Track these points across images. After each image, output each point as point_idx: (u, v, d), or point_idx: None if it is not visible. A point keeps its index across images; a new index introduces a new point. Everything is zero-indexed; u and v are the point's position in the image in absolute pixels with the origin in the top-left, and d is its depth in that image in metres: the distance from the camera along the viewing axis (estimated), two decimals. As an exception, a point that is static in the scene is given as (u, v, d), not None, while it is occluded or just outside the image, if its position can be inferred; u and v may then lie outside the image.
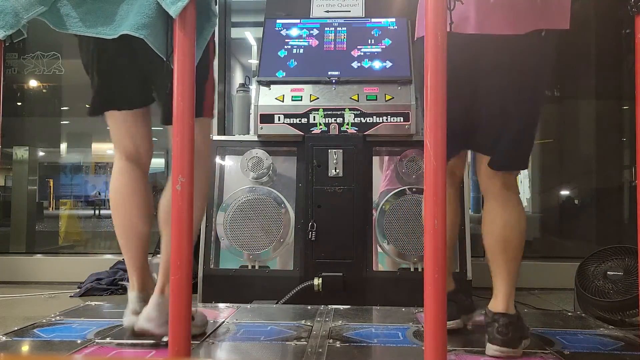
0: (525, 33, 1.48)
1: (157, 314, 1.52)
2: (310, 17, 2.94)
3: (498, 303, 1.54)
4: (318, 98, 2.60)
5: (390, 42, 2.80)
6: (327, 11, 2.96)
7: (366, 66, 2.71)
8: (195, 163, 1.61)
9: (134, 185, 1.67)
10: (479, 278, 2.44)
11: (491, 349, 1.48)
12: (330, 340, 1.60)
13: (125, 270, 3.02)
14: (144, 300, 1.65)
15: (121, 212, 1.67)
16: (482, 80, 1.56)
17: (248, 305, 2.19)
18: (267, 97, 2.61)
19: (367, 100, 2.58)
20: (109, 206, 1.72)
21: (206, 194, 1.72)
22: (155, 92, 1.66)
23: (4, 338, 1.61)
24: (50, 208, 6.71)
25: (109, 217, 1.71)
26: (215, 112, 1.74)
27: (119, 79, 1.60)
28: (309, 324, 1.81)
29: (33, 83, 4.40)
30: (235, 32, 4.09)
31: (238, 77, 4.04)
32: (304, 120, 2.57)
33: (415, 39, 1.71)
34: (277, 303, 2.34)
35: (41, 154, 4.89)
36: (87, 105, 1.67)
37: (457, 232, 1.89)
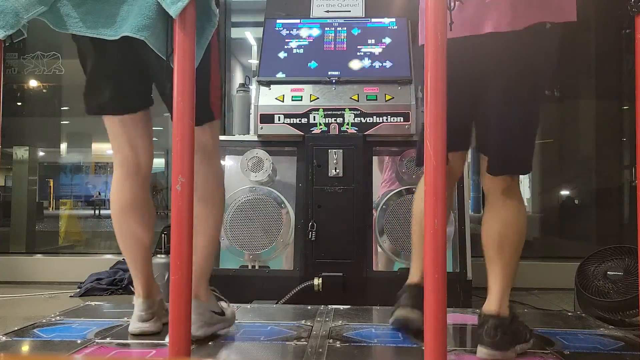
0: (524, 28, 1.45)
1: (195, 317, 1.51)
2: (310, 17, 2.94)
3: (490, 304, 1.51)
4: (318, 98, 2.60)
5: (390, 42, 2.80)
6: (327, 11, 2.96)
7: (366, 66, 2.71)
8: (207, 170, 1.63)
9: (134, 196, 1.66)
10: (478, 278, 2.44)
11: (480, 351, 1.45)
12: (330, 340, 1.60)
13: (125, 270, 3.04)
14: (149, 307, 1.66)
15: (124, 224, 1.67)
16: (479, 81, 1.54)
17: (248, 305, 2.19)
18: (267, 97, 2.61)
19: (367, 100, 2.58)
20: (109, 209, 1.71)
21: (223, 197, 1.71)
22: (161, 92, 1.64)
23: (4, 338, 1.61)
24: (50, 208, 6.71)
25: (109, 217, 1.71)
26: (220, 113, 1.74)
27: (117, 82, 1.58)
28: (309, 324, 1.81)
29: (33, 83, 4.40)
30: (235, 32, 4.10)
31: (238, 77, 4.04)
32: (304, 120, 2.57)
33: (419, 44, 1.68)
34: (277, 303, 2.34)
35: (41, 154, 4.89)
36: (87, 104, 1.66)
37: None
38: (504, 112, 1.51)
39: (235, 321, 1.84)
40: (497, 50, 1.49)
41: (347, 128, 2.56)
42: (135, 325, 1.64)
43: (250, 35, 4.09)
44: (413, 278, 1.76)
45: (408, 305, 1.67)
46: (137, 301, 1.67)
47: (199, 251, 1.56)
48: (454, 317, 1.94)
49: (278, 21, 2.92)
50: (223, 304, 1.75)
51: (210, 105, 1.63)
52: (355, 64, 2.72)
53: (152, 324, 1.65)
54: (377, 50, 2.77)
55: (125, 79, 1.59)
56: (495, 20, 1.46)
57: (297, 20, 2.93)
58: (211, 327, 1.62)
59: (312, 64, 2.73)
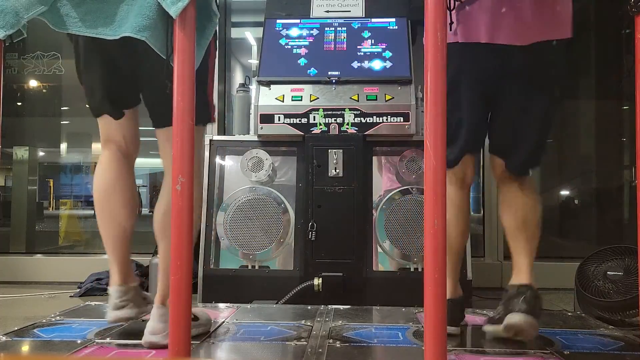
0: (530, 44, 1.55)
1: (162, 325, 1.50)
2: (310, 17, 2.94)
3: (522, 276, 1.59)
4: (318, 98, 2.60)
5: (390, 42, 2.80)
6: (327, 11, 2.96)
7: (366, 66, 2.71)
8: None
9: (120, 178, 1.67)
10: (479, 278, 2.45)
11: (515, 317, 1.50)
12: (330, 340, 1.60)
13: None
14: (125, 293, 1.63)
15: (106, 205, 1.66)
16: (502, 88, 1.64)
17: (248, 305, 2.19)
18: (267, 97, 2.61)
19: (367, 100, 2.58)
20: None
21: (199, 212, 1.73)
22: (144, 96, 1.67)
23: (4, 338, 1.61)
24: (50, 208, 6.71)
25: (94, 211, 1.70)
26: (215, 116, 1.76)
27: (113, 83, 1.60)
28: (309, 324, 1.81)
29: (33, 83, 4.40)
30: (235, 32, 4.09)
31: (238, 77, 4.04)
32: (304, 120, 2.57)
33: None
34: (277, 303, 2.34)
35: (41, 154, 4.88)
36: (87, 105, 1.68)
37: (466, 240, 1.90)
38: (527, 118, 1.65)
39: (235, 321, 1.84)
40: (517, 62, 1.59)
41: (347, 128, 2.56)
42: (110, 314, 1.62)
43: (250, 35, 4.09)
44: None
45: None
46: (112, 289, 1.64)
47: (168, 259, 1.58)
48: (454, 317, 1.94)
49: (278, 21, 2.92)
50: (197, 310, 1.75)
51: (209, 107, 1.65)
52: (355, 64, 2.72)
53: (127, 311, 1.62)
54: (377, 50, 2.77)
55: (119, 80, 1.61)
56: (507, 34, 1.55)
57: (297, 20, 2.93)
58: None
59: (312, 64, 2.73)
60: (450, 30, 1.56)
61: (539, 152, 1.72)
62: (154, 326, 1.52)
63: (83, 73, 1.62)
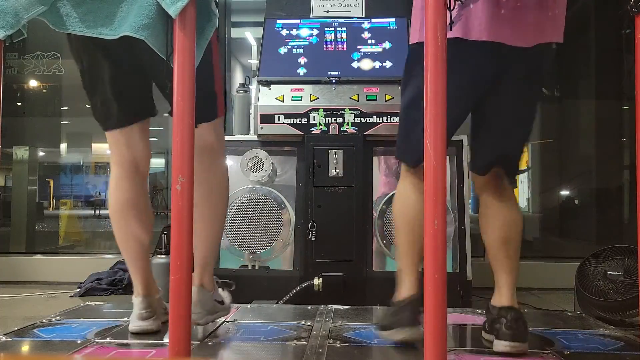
0: (532, 46, 1.51)
1: (199, 306, 1.57)
2: (310, 17, 2.94)
3: (503, 298, 1.54)
4: (318, 98, 2.60)
5: (390, 42, 2.80)
6: (327, 11, 2.96)
7: (366, 66, 2.71)
8: (212, 165, 1.66)
9: (133, 195, 1.67)
10: (479, 278, 2.44)
11: (501, 344, 1.46)
12: (330, 340, 1.60)
13: (125, 270, 3.04)
14: (149, 305, 1.67)
15: (123, 223, 1.68)
16: (496, 90, 1.57)
17: (248, 305, 2.19)
18: (267, 97, 2.61)
19: (367, 100, 2.58)
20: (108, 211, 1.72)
21: (227, 193, 1.75)
22: (163, 90, 1.66)
23: (4, 338, 1.61)
24: (50, 208, 6.71)
25: (108, 217, 1.72)
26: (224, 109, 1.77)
27: (117, 96, 1.60)
28: (309, 324, 1.81)
29: (33, 83, 4.40)
30: (235, 32, 4.09)
31: (238, 77, 4.04)
32: (304, 120, 2.57)
33: (410, 43, 1.69)
34: (277, 303, 2.34)
35: (41, 154, 4.89)
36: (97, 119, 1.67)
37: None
38: (516, 123, 1.60)
39: (235, 321, 1.85)
40: (511, 61, 1.53)
41: (347, 128, 2.56)
42: (135, 324, 1.65)
43: (250, 35, 4.09)
44: (409, 290, 1.60)
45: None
46: (136, 300, 1.68)
47: (205, 242, 1.64)
48: (454, 317, 1.94)
49: (278, 21, 2.92)
50: (223, 293, 1.81)
51: (217, 103, 1.66)
52: (355, 64, 2.72)
53: (151, 322, 1.65)
54: (377, 50, 2.77)
55: (125, 91, 1.61)
56: (508, 34, 1.50)
57: (297, 20, 2.93)
58: (212, 315, 1.70)
59: (312, 64, 2.73)
60: (451, 30, 1.54)
61: (520, 156, 1.67)
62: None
63: (92, 86, 1.61)
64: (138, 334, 1.64)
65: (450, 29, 1.50)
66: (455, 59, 1.54)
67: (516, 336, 1.46)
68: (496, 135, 1.63)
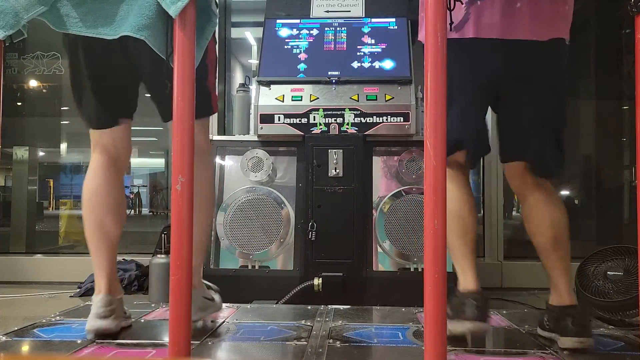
0: (547, 40, 1.53)
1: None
2: (310, 17, 2.94)
3: (563, 297, 1.58)
4: (318, 98, 2.60)
5: (390, 42, 2.80)
6: (327, 11, 2.96)
7: (366, 66, 2.71)
8: (199, 162, 1.65)
9: (109, 186, 1.67)
10: (478, 278, 2.44)
11: (569, 341, 1.50)
12: (330, 340, 1.60)
13: (125, 270, 3.04)
14: (109, 303, 1.61)
15: (94, 213, 1.66)
16: (512, 85, 1.61)
17: (248, 305, 2.19)
18: (267, 97, 2.61)
19: (367, 100, 2.58)
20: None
21: (214, 193, 1.77)
22: (151, 92, 1.68)
23: (4, 338, 1.61)
24: (50, 208, 6.72)
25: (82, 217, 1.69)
26: (215, 116, 1.79)
27: (104, 96, 1.61)
28: (309, 324, 1.81)
29: (33, 83, 4.40)
30: (235, 32, 4.09)
31: (238, 77, 4.04)
32: (304, 120, 2.57)
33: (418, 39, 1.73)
34: (277, 303, 2.34)
35: (41, 154, 4.89)
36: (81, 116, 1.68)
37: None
38: (541, 113, 1.61)
39: (235, 321, 1.85)
40: (531, 57, 1.56)
41: (347, 128, 2.56)
42: (92, 322, 1.59)
43: (250, 35, 4.09)
44: (473, 284, 1.63)
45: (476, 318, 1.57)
46: (96, 298, 1.62)
47: (193, 245, 1.61)
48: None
49: (278, 21, 2.92)
50: (212, 291, 1.84)
51: (211, 99, 1.67)
52: (355, 64, 2.72)
53: (109, 322, 1.59)
54: (377, 50, 2.77)
55: (112, 91, 1.63)
56: (524, 28, 1.52)
57: (297, 20, 2.93)
58: (204, 311, 1.73)
59: (312, 64, 2.73)
60: (451, 30, 1.55)
61: (559, 149, 1.65)
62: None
63: (80, 84, 1.62)
64: (99, 335, 1.58)
65: (451, 29, 1.51)
66: (468, 58, 1.56)
67: (583, 332, 1.51)
68: (513, 127, 1.66)
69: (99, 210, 1.66)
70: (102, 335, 1.58)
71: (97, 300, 1.61)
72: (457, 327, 1.53)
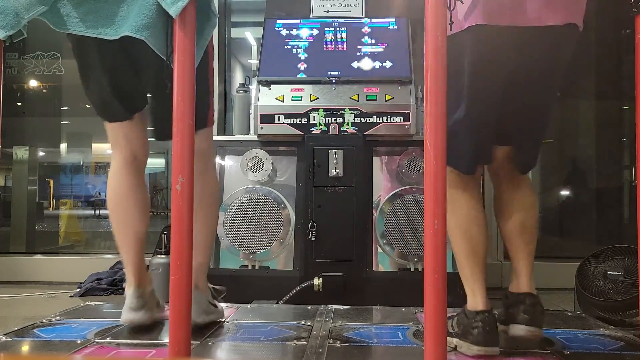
0: (564, 24, 1.44)
1: (194, 306, 1.54)
2: (310, 17, 2.94)
3: (522, 284, 1.54)
4: (318, 98, 2.60)
5: (390, 42, 2.80)
6: (327, 11, 2.96)
7: (366, 66, 2.71)
8: (205, 169, 1.68)
9: (131, 183, 1.70)
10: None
11: (518, 328, 1.48)
12: (330, 340, 1.60)
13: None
14: (141, 296, 1.66)
15: (119, 211, 1.70)
16: (525, 73, 1.50)
17: (248, 305, 2.19)
18: (267, 97, 2.61)
19: (367, 100, 2.58)
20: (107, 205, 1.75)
21: (219, 197, 1.79)
22: (150, 104, 1.69)
23: (4, 338, 1.61)
24: (50, 208, 6.72)
25: (108, 217, 1.73)
26: (215, 116, 1.80)
27: (116, 88, 1.61)
28: (309, 324, 1.81)
29: (33, 83, 4.40)
30: (235, 32, 4.09)
31: (238, 77, 4.04)
32: (304, 120, 2.57)
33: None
34: (277, 303, 2.34)
35: (41, 154, 4.89)
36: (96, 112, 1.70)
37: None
38: (543, 107, 1.55)
39: (235, 321, 1.85)
40: (536, 44, 1.46)
41: (347, 128, 2.56)
42: (125, 315, 1.64)
43: (250, 35, 4.09)
44: (483, 304, 1.52)
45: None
46: (128, 291, 1.67)
47: (198, 247, 1.62)
48: (454, 317, 1.94)
49: (278, 21, 2.92)
50: (215, 300, 1.83)
51: (209, 112, 1.68)
52: (355, 64, 2.72)
53: (142, 314, 1.65)
54: (377, 50, 2.77)
55: (123, 83, 1.62)
56: (537, 13, 1.43)
57: (297, 20, 2.93)
58: (208, 315, 1.72)
59: (312, 64, 2.73)
60: (451, 30, 1.50)
61: (539, 148, 1.62)
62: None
63: (89, 80, 1.62)
64: (135, 329, 1.63)
65: (451, 29, 1.47)
66: (479, 46, 1.46)
67: (534, 321, 1.48)
68: (510, 113, 1.55)
69: (123, 208, 1.69)
70: (136, 327, 1.65)
71: (129, 294, 1.66)
72: (466, 351, 1.49)
